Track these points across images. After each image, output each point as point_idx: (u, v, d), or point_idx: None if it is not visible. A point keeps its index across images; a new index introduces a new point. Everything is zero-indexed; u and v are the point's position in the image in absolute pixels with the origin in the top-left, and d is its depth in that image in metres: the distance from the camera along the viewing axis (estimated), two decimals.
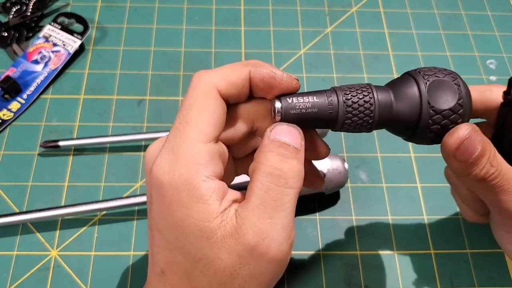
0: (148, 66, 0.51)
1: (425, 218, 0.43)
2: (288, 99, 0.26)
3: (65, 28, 0.51)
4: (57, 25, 0.52)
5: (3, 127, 0.46)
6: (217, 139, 0.24)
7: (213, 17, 0.55)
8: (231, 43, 0.53)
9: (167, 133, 0.44)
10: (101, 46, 0.52)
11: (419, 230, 0.42)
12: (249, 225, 0.23)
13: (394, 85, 0.27)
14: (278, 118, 0.26)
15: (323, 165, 0.40)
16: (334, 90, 0.27)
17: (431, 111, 0.26)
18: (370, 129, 0.27)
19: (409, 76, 0.27)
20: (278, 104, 0.26)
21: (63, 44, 0.50)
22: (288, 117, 0.26)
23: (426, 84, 0.26)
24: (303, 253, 0.40)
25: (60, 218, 0.41)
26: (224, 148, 0.25)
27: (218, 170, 0.24)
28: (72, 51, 0.50)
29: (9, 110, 0.47)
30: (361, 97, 0.27)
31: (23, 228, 0.41)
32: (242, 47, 0.53)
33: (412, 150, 0.47)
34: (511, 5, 0.58)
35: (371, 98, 0.26)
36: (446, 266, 0.40)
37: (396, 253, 0.41)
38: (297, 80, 0.26)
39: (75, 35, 0.51)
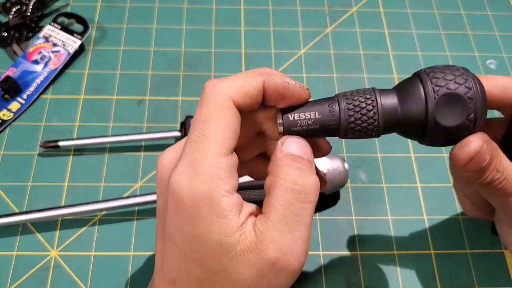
0: (148, 66, 0.51)
1: (425, 218, 0.43)
2: (290, 116, 0.26)
3: (65, 28, 0.51)
4: (57, 25, 0.52)
5: (3, 127, 0.46)
6: (233, 151, 0.24)
7: (213, 17, 0.55)
8: (231, 43, 0.53)
9: (167, 133, 0.44)
10: (101, 46, 0.52)
11: (419, 230, 0.42)
12: (270, 240, 0.23)
13: (400, 89, 0.26)
14: (281, 131, 0.26)
15: (323, 165, 0.40)
16: (336, 98, 0.26)
17: (436, 127, 0.25)
18: (378, 134, 0.26)
19: (418, 81, 0.26)
20: (280, 120, 0.26)
21: (63, 44, 0.50)
22: (290, 133, 0.26)
23: (435, 98, 0.25)
24: None
25: (60, 218, 0.41)
26: (237, 157, 0.25)
27: (235, 182, 0.24)
28: (72, 51, 0.50)
29: (9, 110, 0.47)
30: (363, 101, 0.26)
31: (23, 228, 0.41)
32: (242, 47, 0.53)
33: (412, 150, 0.47)
34: (511, 5, 0.58)
35: (373, 101, 0.25)
36: (446, 266, 0.40)
37: (396, 253, 0.41)
38: (308, 90, 0.26)
39: (75, 35, 0.51)
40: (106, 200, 0.40)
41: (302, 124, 0.26)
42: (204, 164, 0.23)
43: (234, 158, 0.24)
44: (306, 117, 0.26)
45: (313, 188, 0.24)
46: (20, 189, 0.43)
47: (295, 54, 0.53)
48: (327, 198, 0.43)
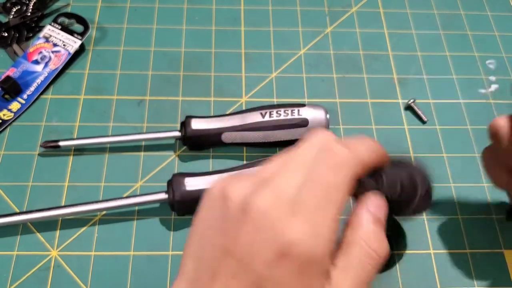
0: (148, 66, 0.51)
1: (425, 218, 0.43)
2: None
3: (65, 29, 0.51)
4: (57, 26, 0.52)
5: (3, 127, 0.46)
6: None
7: (213, 17, 0.55)
8: (231, 43, 0.53)
9: (167, 133, 0.44)
10: (101, 46, 0.52)
11: (419, 230, 0.42)
12: None
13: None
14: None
15: None
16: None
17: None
18: None
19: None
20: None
21: (63, 44, 0.50)
22: None
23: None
24: None
25: (60, 218, 0.41)
26: None
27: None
28: (72, 51, 0.50)
29: (9, 110, 0.47)
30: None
31: (23, 228, 0.41)
32: (242, 47, 0.53)
33: (411, 150, 0.47)
34: (511, 5, 0.58)
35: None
36: (446, 266, 0.40)
37: (395, 253, 0.41)
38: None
39: (75, 35, 0.51)
40: (106, 200, 0.40)
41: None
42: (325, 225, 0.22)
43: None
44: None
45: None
46: (20, 189, 0.43)
47: (295, 54, 0.53)
48: None
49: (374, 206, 0.25)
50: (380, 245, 0.24)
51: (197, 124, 0.43)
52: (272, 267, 0.21)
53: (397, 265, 0.40)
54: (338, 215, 0.23)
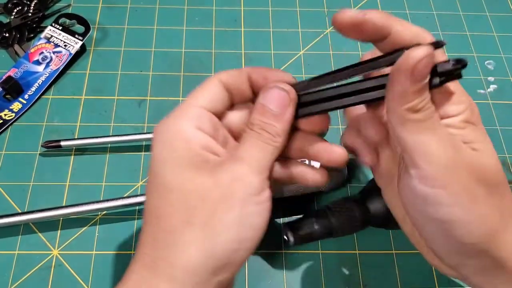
0: (149, 66, 0.51)
1: None
2: (295, 225, 0.37)
3: (66, 29, 0.52)
4: (58, 26, 0.52)
5: (5, 127, 0.46)
6: (212, 111, 0.28)
7: (213, 18, 0.55)
8: (231, 44, 0.53)
9: None
10: (102, 47, 0.52)
11: None
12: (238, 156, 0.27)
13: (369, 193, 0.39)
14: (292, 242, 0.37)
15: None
16: (328, 208, 0.38)
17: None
18: (360, 229, 0.39)
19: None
20: (290, 234, 0.37)
21: (65, 45, 0.51)
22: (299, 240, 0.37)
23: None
24: (302, 252, 0.41)
25: (62, 218, 0.41)
26: (217, 119, 0.29)
27: (205, 128, 0.27)
28: (73, 51, 0.50)
29: (11, 110, 0.47)
30: (347, 214, 0.37)
31: (24, 228, 0.41)
32: (242, 48, 0.53)
33: None
34: (510, 6, 0.58)
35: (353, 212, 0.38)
36: None
37: (394, 252, 0.41)
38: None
39: (76, 36, 0.51)
40: (107, 200, 0.41)
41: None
42: (180, 108, 0.27)
43: (211, 116, 0.28)
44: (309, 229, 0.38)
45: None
46: (21, 189, 0.43)
47: (295, 54, 0.53)
48: (327, 198, 0.43)
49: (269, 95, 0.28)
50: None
51: None
52: None
53: (395, 263, 0.41)
54: (195, 102, 0.28)
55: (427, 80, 0.24)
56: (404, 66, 0.23)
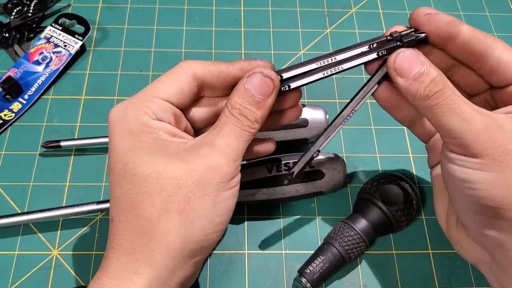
0: (149, 66, 0.51)
1: (424, 218, 0.43)
2: (307, 270, 0.37)
3: (66, 29, 0.52)
4: (58, 26, 0.52)
5: (5, 127, 0.46)
6: (176, 104, 0.28)
7: (213, 18, 0.55)
8: (231, 44, 0.53)
9: None
10: (102, 47, 0.52)
11: (418, 230, 0.42)
12: (204, 142, 0.27)
13: (361, 211, 0.39)
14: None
15: (323, 163, 0.41)
16: (328, 242, 0.38)
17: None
18: (367, 248, 0.39)
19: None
20: (304, 280, 0.37)
21: (64, 45, 0.51)
22: (315, 281, 0.37)
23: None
24: (302, 252, 0.41)
25: (61, 218, 0.41)
26: (179, 112, 0.29)
27: (168, 120, 0.28)
28: (73, 52, 0.50)
29: (11, 110, 0.47)
30: (349, 237, 0.38)
31: (24, 228, 0.41)
32: (242, 47, 0.53)
33: (410, 151, 0.47)
34: (510, 6, 0.58)
35: (355, 233, 0.38)
36: (444, 266, 0.41)
37: (394, 253, 0.41)
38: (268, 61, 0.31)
39: (76, 36, 0.51)
40: (107, 200, 0.41)
41: (318, 270, 0.37)
42: (140, 97, 0.27)
43: (175, 109, 0.28)
44: (317, 264, 0.37)
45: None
46: (21, 189, 0.43)
47: (295, 54, 0.53)
48: (327, 198, 0.43)
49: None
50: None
51: None
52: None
53: (396, 263, 0.41)
54: (154, 92, 0.28)
55: (417, 71, 0.28)
56: (390, 70, 0.30)
